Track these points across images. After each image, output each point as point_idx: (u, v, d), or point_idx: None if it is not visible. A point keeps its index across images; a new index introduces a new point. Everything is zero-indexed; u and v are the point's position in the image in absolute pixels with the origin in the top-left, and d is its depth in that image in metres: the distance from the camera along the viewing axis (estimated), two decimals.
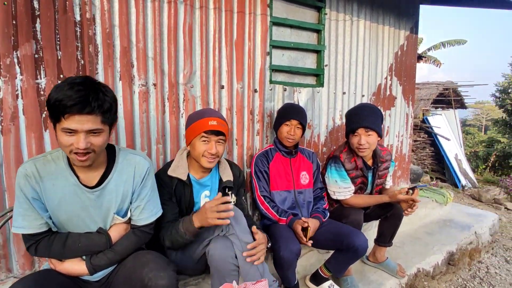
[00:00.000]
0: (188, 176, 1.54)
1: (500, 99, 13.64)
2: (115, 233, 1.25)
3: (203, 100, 1.93)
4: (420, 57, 9.25)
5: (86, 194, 1.16)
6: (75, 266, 1.20)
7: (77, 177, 1.15)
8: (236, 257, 1.31)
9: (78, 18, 1.52)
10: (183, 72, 1.85)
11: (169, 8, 1.76)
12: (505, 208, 4.99)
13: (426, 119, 8.01)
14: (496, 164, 11.61)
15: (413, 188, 1.78)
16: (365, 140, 1.89)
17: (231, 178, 1.65)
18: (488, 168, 11.33)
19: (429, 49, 13.36)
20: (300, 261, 2.10)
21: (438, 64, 13.67)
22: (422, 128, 7.94)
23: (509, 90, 13.29)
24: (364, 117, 1.91)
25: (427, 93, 8.50)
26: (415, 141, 7.77)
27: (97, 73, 1.59)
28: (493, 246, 3.34)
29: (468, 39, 13.68)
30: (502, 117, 13.84)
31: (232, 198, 1.67)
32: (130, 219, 1.29)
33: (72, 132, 1.01)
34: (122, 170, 1.23)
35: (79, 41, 1.53)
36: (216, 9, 1.91)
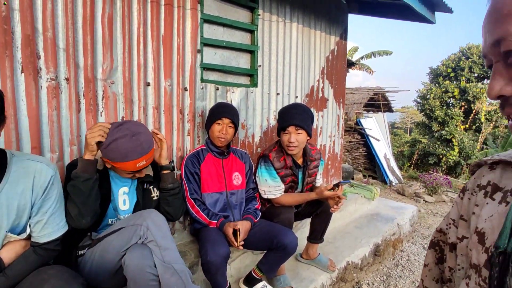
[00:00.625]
0: (106, 169, 1.43)
1: (421, 104, 15.39)
2: (9, 254, 1.08)
3: (126, 98, 1.80)
4: (352, 64, 9.98)
5: None
6: None
7: None
8: (155, 266, 1.22)
9: None
10: (102, 66, 1.69)
11: None
12: (424, 200, 5.60)
13: (359, 121, 8.65)
14: (418, 162, 13.06)
15: (337, 185, 1.87)
16: (295, 138, 1.93)
17: (151, 173, 1.57)
18: (412, 165, 12.68)
19: (361, 58, 14.50)
20: (234, 263, 2.08)
21: (370, 72, 14.94)
22: (356, 130, 8.55)
23: (428, 97, 15.06)
24: (295, 115, 1.96)
25: (360, 98, 9.20)
26: (350, 141, 8.33)
27: None
28: (413, 236, 3.71)
29: (396, 49, 15.21)
30: (423, 120, 15.63)
31: (154, 192, 1.58)
32: (30, 235, 1.12)
33: None
34: (17, 180, 1.06)
35: None
36: (140, 0, 1.79)
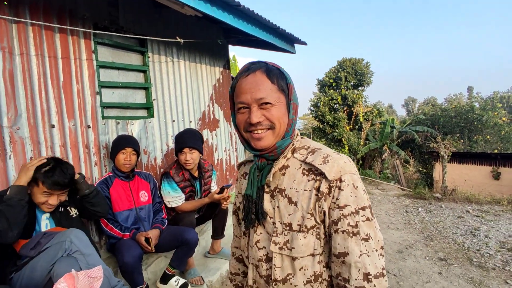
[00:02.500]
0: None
1: (314, 111, 17.80)
2: None
3: (32, 140, 2.10)
4: None
5: None
6: None
7: None
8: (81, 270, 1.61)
9: None
10: (7, 115, 1.98)
11: None
12: None
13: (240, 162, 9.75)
14: None
15: (222, 188, 2.51)
16: (190, 156, 2.52)
17: (66, 198, 1.93)
18: None
19: None
20: (150, 268, 2.52)
21: None
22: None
23: (318, 104, 17.50)
24: (187, 139, 2.54)
25: None
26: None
27: None
28: None
29: (285, 63, 17.25)
30: (318, 125, 18.07)
31: (72, 211, 1.94)
32: None
33: None
34: None
35: None
36: (38, 55, 2.14)
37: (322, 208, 0.85)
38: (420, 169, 17.67)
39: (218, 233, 2.89)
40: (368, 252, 0.81)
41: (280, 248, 0.89)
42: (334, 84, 18.78)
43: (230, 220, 3.00)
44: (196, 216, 2.74)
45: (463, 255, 3.49)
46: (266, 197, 0.94)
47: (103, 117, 2.56)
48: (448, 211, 5.11)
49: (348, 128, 17.72)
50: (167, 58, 3.19)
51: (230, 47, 4.48)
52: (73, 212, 1.94)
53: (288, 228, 0.89)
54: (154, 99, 3.03)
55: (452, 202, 5.65)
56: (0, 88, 1.95)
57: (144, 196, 2.50)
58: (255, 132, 0.88)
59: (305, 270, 0.88)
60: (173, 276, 2.40)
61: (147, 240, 2.21)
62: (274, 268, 0.91)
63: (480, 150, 18.15)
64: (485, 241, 3.82)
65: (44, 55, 2.19)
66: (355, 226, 0.82)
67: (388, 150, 17.56)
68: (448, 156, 7.43)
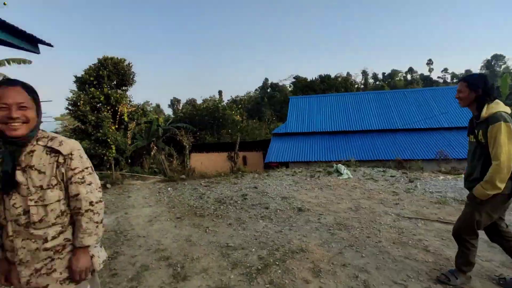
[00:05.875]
0: None
1: (73, 111, 16.46)
2: None
3: None
4: None
5: None
6: None
7: None
8: None
9: None
10: None
11: None
12: None
13: None
14: None
15: None
16: None
17: None
18: None
19: None
20: None
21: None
22: None
23: (78, 103, 16.34)
24: None
25: None
26: None
27: None
28: None
29: (35, 59, 14.87)
30: (78, 126, 16.87)
31: None
32: None
33: None
34: None
35: None
36: None
37: (61, 172, 1.57)
38: (182, 161, 20.46)
39: None
40: (91, 191, 1.62)
41: (36, 202, 1.52)
42: (95, 82, 18.10)
43: None
44: None
45: (191, 212, 5.06)
46: (19, 172, 1.53)
47: None
48: (188, 186, 6.86)
49: (113, 128, 17.72)
50: None
51: None
52: None
53: (40, 188, 1.53)
54: None
55: (192, 179, 7.56)
56: None
57: None
58: (13, 124, 1.46)
59: (55, 210, 1.57)
60: None
61: None
62: (32, 215, 1.52)
63: (226, 141, 23.21)
64: (206, 200, 5.66)
65: None
66: (82, 178, 1.61)
67: (155, 147, 19.16)
68: (189, 146, 9.52)
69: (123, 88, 20.10)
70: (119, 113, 18.06)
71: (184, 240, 3.99)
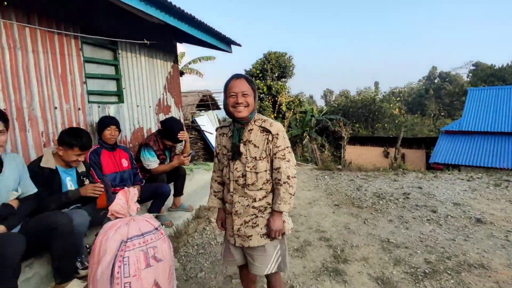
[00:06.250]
0: (56, 167, 2.50)
1: None
2: (14, 203, 2.09)
3: (43, 118, 2.79)
4: (181, 73, 11.81)
5: None
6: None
7: None
8: None
9: None
10: (25, 99, 2.64)
11: (9, 53, 2.53)
12: None
13: (194, 120, 10.58)
14: None
15: (188, 154, 3.51)
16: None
17: (84, 169, 2.71)
18: None
19: (189, 63, 16.60)
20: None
21: (200, 75, 17.29)
22: (193, 127, 10.45)
23: None
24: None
25: (192, 99, 11.15)
26: (190, 137, 10.13)
27: None
28: None
29: (217, 54, 18.04)
30: None
31: (86, 181, 2.73)
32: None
33: None
34: (10, 165, 2.08)
35: None
36: (45, 52, 2.81)
37: (269, 147, 1.97)
38: (334, 152, 20.48)
39: (179, 192, 3.87)
40: (289, 167, 1.97)
41: (250, 169, 1.98)
42: (260, 75, 20.33)
43: (188, 181, 4.01)
44: None
45: (349, 202, 5.12)
46: (241, 145, 2.02)
47: (89, 102, 3.29)
48: (345, 177, 6.91)
49: (272, 116, 19.54)
50: (132, 55, 3.96)
51: (178, 44, 5.31)
52: (87, 181, 2.72)
53: (254, 159, 1.97)
54: (124, 88, 3.80)
55: (349, 171, 7.55)
56: (20, 78, 2.62)
57: (124, 162, 3.33)
58: (238, 108, 1.94)
59: (262, 178, 2.00)
60: None
61: None
62: (247, 178, 1.99)
63: (380, 135, 21.76)
64: (364, 192, 5.58)
65: (48, 52, 2.86)
66: (284, 155, 1.97)
67: (308, 136, 19.98)
68: (347, 137, 9.46)
69: (283, 79, 21.77)
70: (278, 103, 19.75)
71: (343, 226, 4.13)
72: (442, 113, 31.03)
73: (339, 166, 7.75)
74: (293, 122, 20.80)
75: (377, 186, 6.09)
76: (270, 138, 1.93)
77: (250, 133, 1.97)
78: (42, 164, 2.40)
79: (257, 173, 1.95)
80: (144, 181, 3.40)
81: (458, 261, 3.21)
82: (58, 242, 2.11)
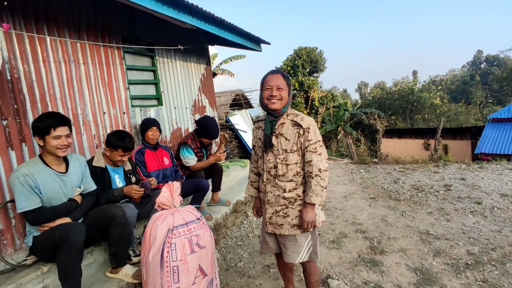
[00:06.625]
0: (106, 165, 2.79)
1: None
2: (78, 198, 2.38)
3: (94, 123, 3.11)
4: (214, 75, 12.17)
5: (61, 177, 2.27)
6: (63, 221, 2.27)
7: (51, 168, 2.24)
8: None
9: (9, 77, 2.44)
10: (79, 106, 2.97)
11: (65, 66, 2.86)
12: None
13: (228, 119, 10.86)
14: None
15: (224, 151, 3.70)
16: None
17: (130, 167, 2.98)
18: None
19: (221, 63, 16.99)
20: None
21: (231, 75, 17.64)
22: (227, 127, 10.74)
23: None
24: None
25: (225, 99, 11.44)
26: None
27: (27, 112, 2.54)
28: None
29: (247, 53, 18.26)
30: None
31: (132, 179, 2.99)
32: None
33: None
34: (74, 164, 2.37)
35: (12, 92, 2.45)
36: (94, 63, 3.13)
37: (300, 141, 2.06)
38: (370, 146, 19.93)
39: (217, 187, 4.08)
40: (320, 160, 2.05)
41: (281, 160, 2.09)
42: (291, 72, 20.28)
43: (225, 177, 4.21)
44: None
45: (386, 195, 5.05)
46: (273, 137, 2.14)
47: (132, 106, 3.59)
48: (381, 170, 6.78)
49: (305, 112, 19.41)
50: (168, 60, 4.24)
51: (210, 46, 5.55)
52: (133, 178, 2.99)
53: (285, 151, 2.07)
54: (162, 91, 4.08)
55: (385, 164, 7.38)
56: (74, 87, 2.94)
57: (166, 160, 3.59)
58: (272, 100, 2.05)
59: (293, 170, 2.10)
60: None
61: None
62: (278, 170, 2.11)
63: (420, 127, 20.80)
64: (402, 185, 5.46)
65: (95, 63, 3.18)
66: (315, 148, 2.06)
67: (342, 131, 19.61)
68: (382, 130, 9.22)
69: (315, 75, 21.53)
70: (310, 98, 19.58)
71: (379, 219, 4.11)
72: (490, 100, 28.88)
73: (375, 160, 7.60)
74: (326, 117, 20.52)
75: (415, 178, 5.92)
76: (301, 132, 2.01)
77: (282, 126, 2.08)
78: (94, 163, 2.70)
79: (287, 165, 2.05)
80: (184, 177, 3.64)
81: (503, 252, 3.11)
82: (115, 230, 2.37)
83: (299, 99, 19.34)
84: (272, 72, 2.06)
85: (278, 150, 2.07)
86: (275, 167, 2.09)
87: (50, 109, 2.71)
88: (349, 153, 17.57)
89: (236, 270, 3.11)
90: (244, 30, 4.67)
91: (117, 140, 2.67)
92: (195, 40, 4.77)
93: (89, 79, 3.09)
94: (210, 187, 4.11)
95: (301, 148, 2.03)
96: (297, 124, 2.03)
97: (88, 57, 3.09)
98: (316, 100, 19.64)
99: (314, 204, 2.02)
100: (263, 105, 2.09)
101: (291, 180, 2.08)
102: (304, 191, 2.08)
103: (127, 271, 2.46)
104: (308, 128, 2.01)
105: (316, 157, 1.98)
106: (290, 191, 2.09)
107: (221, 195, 4.25)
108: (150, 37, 3.90)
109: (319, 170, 1.98)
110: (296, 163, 2.05)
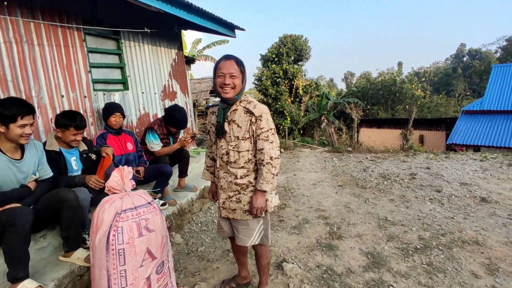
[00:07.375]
0: (60, 149, 2.75)
1: (258, 85, 19.08)
2: (32, 185, 2.37)
3: (51, 106, 3.04)
4: (193, 60, 11.97)
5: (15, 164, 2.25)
6: (12, 206, 2.25)
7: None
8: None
9: None
10: (34, 88, 2.90)
11: (17, 47, 2.77)
12: None
13: (208, 105, 10.81)
14: None
15: (192, 136, 3.70)
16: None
17: (86, 148, 2.95)
18: None
19: (204, 49, 16.75)
20: None
21: (215, 61, 17.46)
22: (207, 113, 10.70)
23: (262, 78, 18.76)
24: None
25: (206, 86, 11.35)
26: (203, 124, 10.39)
27: None
28: None
29: (231, 40, 18.06)
30: (261, 98, 19.44)
31: (92, 156, 2.97)
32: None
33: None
34: (31, 151, 2.35)
35: None
36: (50, 45, 3.04)
37: (252, 129, 2.08)
38: (351, 135, 20.19)
39: (183, 173, 4.10)
40: (272, 148, 2.08)
41: (233, 147, 2.11)
42: (276, 59, 20.14)
43: (195, 163, 4.23)
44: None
45: (353, 182, 5.20)
46: (226, 124, 2.15)
47: (94, 90, 3.53)
48: (353, 158, 6.95)
49: (289, 100, 19.41)
50: (135, 44, 4.16)
51: (183, 31, 5.46)
52: (93, 157, 2.96)
53: (237, 138, 2.09)
54: (128, 76, 4.02)
55: (358, 153, 7.56)
56: (28, 69, 2.87)
57: (129, 146, 3.57)
58: (225, 89, 2.05)
59: (244, 157, 2.13)
60: (155, 198, 3.58)
61: (138, 171, 3.34)
62: (230, 156, 2.13)
63: (401, 117, 21.17)
64: (370, 173, 5.62)
65: (52, 45, 3.09)
66: (267, 136, 2.08)
67: (326, 120, 19.79)
68: (358, 119, 9.38)
69: (299, 63, 21.46)
70: (294, 87, 19.59)
71: (343, 206, 4.23)
72: (468, 93, 29.66)
73: (349, 148, 7.77)
74: (310, 106, 20.61)
75: (384, 167, 6.10)
76: (253, 120, 2.02)
77: (235, 113, 2.09)
78: (47, 147, 2.65)
79: (239, 152, 2.08)
80: (148, 162, 3.64)
81: (452, 238, 3.27)
82: (66, 214, 2.36)
83: (283, 87, 19.29)
84: (226, 58, 2.02)
85: (230, 137, 2.09)
86: (227, 153, 2.12)
87: (0, 92, 2.64)
88: (330, 141, 17.81)
89: (196, 255, 3.16)
90: (216, 15, 4.61)
91: (68, 119, 2.61)
92: (165, 24, 4.69)
93: (44, 61, 3.01)
94: (177, 173, 4.12)
95: (253, 135, 2.05)
96: (249, 112, 2.04)
97: (43, 38, 3.00)
98: (300, 88, 19.67)
99: (265, 191, 2.07)
100: (216, 92, 2.09)
101: (242, 167, 2.11)
102: (255, 178, 2.12)
103: (80, 254, 2.47)
104: (261, 116, 2.02)
105: (268, 145, 2.01)
106: (242, 177, 2.12)
107: (190, 181, 4.28)
108: (114, 20, 3.80)
109: (271, 157, 2.01)
110: (248, 151, 2.08)
